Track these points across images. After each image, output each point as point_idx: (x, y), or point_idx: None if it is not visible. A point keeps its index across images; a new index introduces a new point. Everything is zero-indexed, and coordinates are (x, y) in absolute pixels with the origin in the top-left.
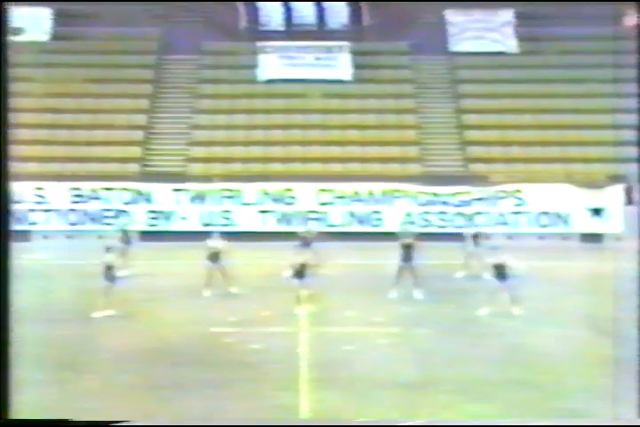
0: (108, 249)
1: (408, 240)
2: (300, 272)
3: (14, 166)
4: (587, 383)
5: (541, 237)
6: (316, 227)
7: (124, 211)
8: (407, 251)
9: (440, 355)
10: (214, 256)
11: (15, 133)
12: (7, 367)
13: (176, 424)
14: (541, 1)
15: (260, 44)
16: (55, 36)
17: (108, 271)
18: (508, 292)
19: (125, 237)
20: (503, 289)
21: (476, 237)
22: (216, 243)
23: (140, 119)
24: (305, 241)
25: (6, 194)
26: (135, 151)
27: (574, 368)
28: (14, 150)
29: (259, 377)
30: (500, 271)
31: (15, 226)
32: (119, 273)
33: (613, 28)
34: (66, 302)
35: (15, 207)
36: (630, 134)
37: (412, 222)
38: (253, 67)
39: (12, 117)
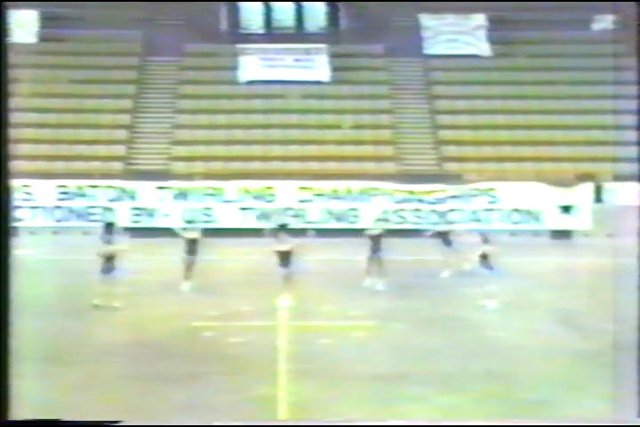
0: (107, 241)
1: (377, 232)
2: (284, 260)
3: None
4: (555, 375)
5: (513, 233)
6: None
7: (108, 208)
8: (375, 242)
9: (414, 348)
10: (192, 247)
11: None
12: (7, 368)
13: (176, 424)
14: (546, 1)
15: (240, 46)
16: (41, 38)
17: (108, 262)
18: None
19: (109, 230)
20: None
21: (444, 234)
22: (192, 234)
23: (124, 119)
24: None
25: (7, 192)
26: (119, 150)
27: (544, 361)
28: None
29: (238, 370)
30: (486, 260)
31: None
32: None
33: (583, 32)
34: (51, 296)
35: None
36: (598, 134)
37: (387, 219)
38: (234, 68)
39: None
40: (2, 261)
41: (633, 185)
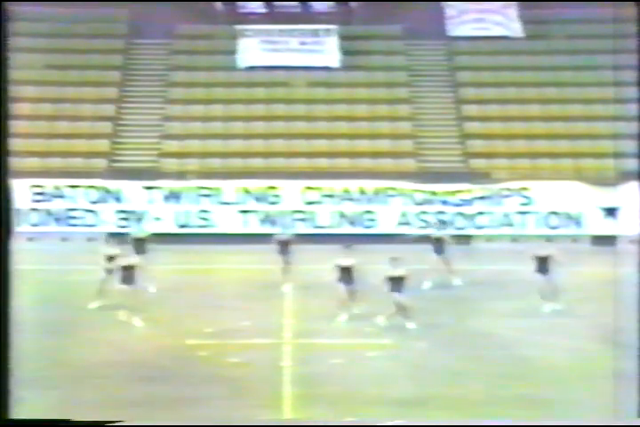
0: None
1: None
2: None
3: None
4: (595, 403)
5: (549, 239)
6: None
7: (90, 211)
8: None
9: (436, 369)
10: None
11: None
12: (7, 367)
13: (176, 424)
14: (544, 0)
15: (239, 27)
16: (14, 18)
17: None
18: (549, 286)
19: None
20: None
21: (439, 241)
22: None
23: (108, 110)
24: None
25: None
26: (102, 145)
27: (582, 385)
28: None
29: (237, 394)
30: (544, 264)
31: None
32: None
33: (631, 9)
34: (26, 311)
35: None
36: None
37: (408, 223)
38: (232, 52)
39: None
40: (2, 261)
41: None
